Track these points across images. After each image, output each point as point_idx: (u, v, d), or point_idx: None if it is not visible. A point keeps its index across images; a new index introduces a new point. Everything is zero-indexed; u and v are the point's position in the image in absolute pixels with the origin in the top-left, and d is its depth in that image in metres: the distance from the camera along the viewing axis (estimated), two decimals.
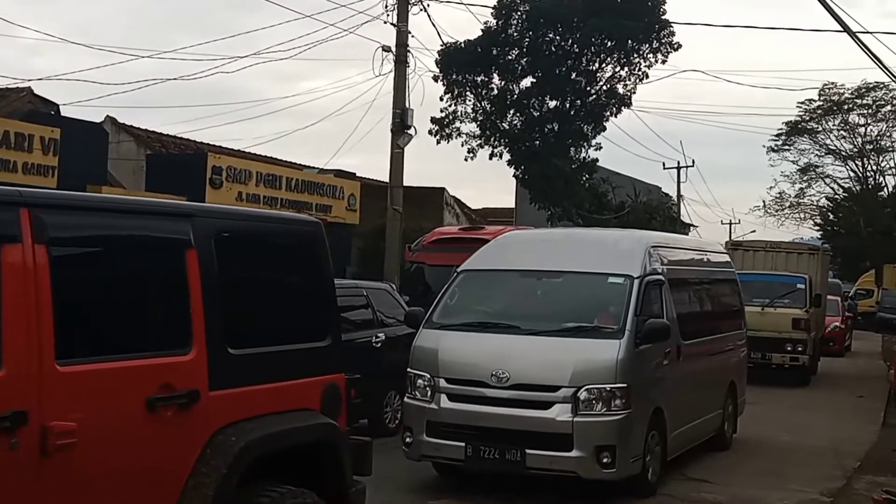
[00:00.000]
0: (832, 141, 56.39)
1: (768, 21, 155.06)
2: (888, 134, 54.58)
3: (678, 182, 51.43)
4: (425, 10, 23.29)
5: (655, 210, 40.31)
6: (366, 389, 11.27)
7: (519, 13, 34.36)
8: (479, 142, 35.61)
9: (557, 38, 34.73)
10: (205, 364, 5.07)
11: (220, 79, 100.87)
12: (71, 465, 4.40)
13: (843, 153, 56.56)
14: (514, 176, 36.65)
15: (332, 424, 5.91)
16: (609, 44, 34.52)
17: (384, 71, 22.27)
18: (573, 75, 34.99)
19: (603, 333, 9.19)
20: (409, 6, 22.39)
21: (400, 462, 9.64)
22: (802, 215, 59.89)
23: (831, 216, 58.64)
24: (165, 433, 4.86)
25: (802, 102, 54.23)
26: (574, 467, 8.71)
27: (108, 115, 27.65)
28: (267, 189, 24.95)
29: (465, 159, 35.69)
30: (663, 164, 50.10)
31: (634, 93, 35.77)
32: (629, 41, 34.29)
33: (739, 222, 67.08)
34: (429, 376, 9.27)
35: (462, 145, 35.60)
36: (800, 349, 19.77)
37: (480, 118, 35.31)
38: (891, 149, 55.29)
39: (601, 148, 36.58)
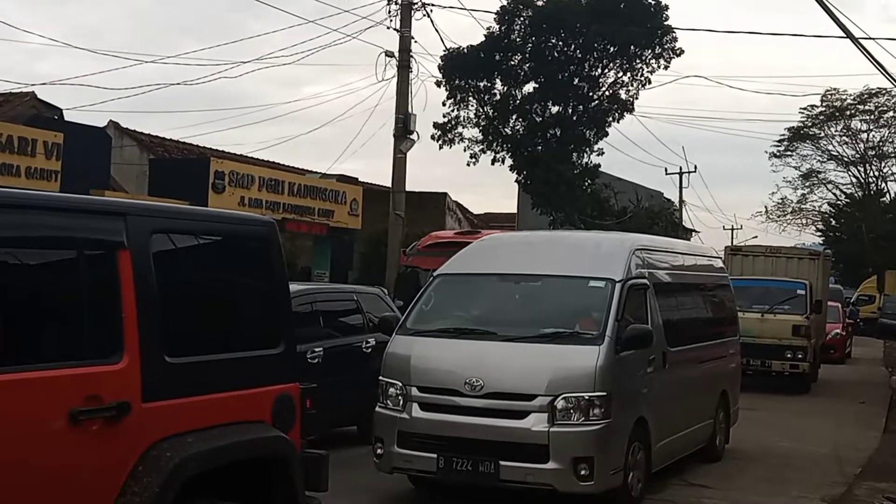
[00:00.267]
0: (834, 147, 56.32)
1: (771, 27, 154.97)
2: (890, 140, 54.44)
3: (680, 187, 51.46)
4: (428, 16, 23.32)
5: (657, 215, 40.29)
6: (355, 396, 10.86)
7: (522, 18, 34.35)
8: (481, 147, 35.61)
9: (560, 43, 34.73)
10: (137, 373, 4.69)
11: (223, 84, 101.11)
12: None
13: (846, 159, 56.47)
14: (516, 181, 36.63)
15: (283, 438, 5.53)
16: (612, 49, 34.50)
17: (387, 76, 22.31)
18: (576, 80, 34.98)
19: (582, 339, 8.76)
20: (412, 12, 22.40)
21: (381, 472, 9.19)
22: (804, 221, 59.79)
23: (833, 222, 58.51)
24: (91, 448, 4.47)
25: (805, 108, 54.12)
26: (550, 480, 8.28)
27: (111, 120, 27.67)
28: (269, 194, 24.97)
29: (468, 164, 35.70)
30: (665, 170, 50.13)
31: (637, 98, 35.76)
32: (632, 47, 34.27)
33: (741, 228, 67.12)
34: (400, 384, 8.84)
35: (464, 150, 35.61)
36: (800, 356, 19.36)
37: (483, 123, 35.32)
38: (893, 155, 55.11)
39: (603, 153, 36.56)
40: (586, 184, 36.23)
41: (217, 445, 5.08)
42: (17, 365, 4.27)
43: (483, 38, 33.99)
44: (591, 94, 35.27)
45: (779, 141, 56.26)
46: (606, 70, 35.42)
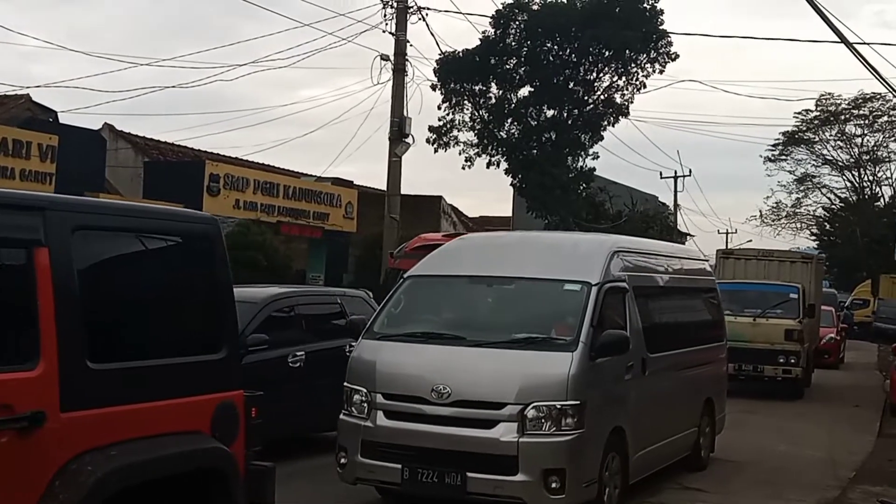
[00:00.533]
0: (829, 151, 56.39)
1: (766, 32, 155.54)
2: (885, 144, 54.49)
3: (675, 191, 51.42)
4: (423, 20, 23.33)
5: (652, 219, 40.37)
6: (338, 400, 11.03)
7: (517, 23, 34.37)
8: (476, 150, 35.61)
9: (555, 47, 34.75)
10: (55, 381, 4.28)
11: (218, 87, 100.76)
12: None
13: (840, 163, 56.55)
14: (511, 185, 36.61)
15: (221, 449, 5.15)
16: (607, 53, 34.51)
17: (382, 80, 22.33)
18: (571, 84, 34.99)
19: (555, 346, 8.32)
20: (408, 15, 22.44)
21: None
22: (799, 225, 59.86)
23: (828, 226, 58.61)
24: (0, 463, 4.09)
25: (799, 113, 54.23)
26: (519, 493, 7.85)
27: (106, 123, 27.63)
28: (264, 197, 24.95)
29: (463, 168, 35.72)
30: (660, 174, 50.10)
31: (632, 102, 35.73)
32: (627, 51, 34.27)
33: (736, 232, 67.29)
34: (365, 391, 8.41)
35: (460, 154, 35.60)
36: (793, 361, 18.93)
37: (478, 127, 35.33)
38: (887, 159, 55.21)
39: (598, 157, 36.53)
40: (581, 187, 36.24)
41: (144, 459, 4.68)
42: None
43: (478, 42, 33.99)
44: (586, 97, 35.29)
45: (773, 145, 56.38)
46: (601, 74, 35.44)
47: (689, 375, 10.84)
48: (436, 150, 35.22)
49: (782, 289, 20.03)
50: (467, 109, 35.16)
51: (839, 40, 14.03)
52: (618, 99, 35.62)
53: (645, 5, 34.22)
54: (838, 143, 55.58)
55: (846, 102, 52.83)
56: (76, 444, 4.40)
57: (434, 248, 14.46)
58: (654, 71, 35.10)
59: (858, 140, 55.03)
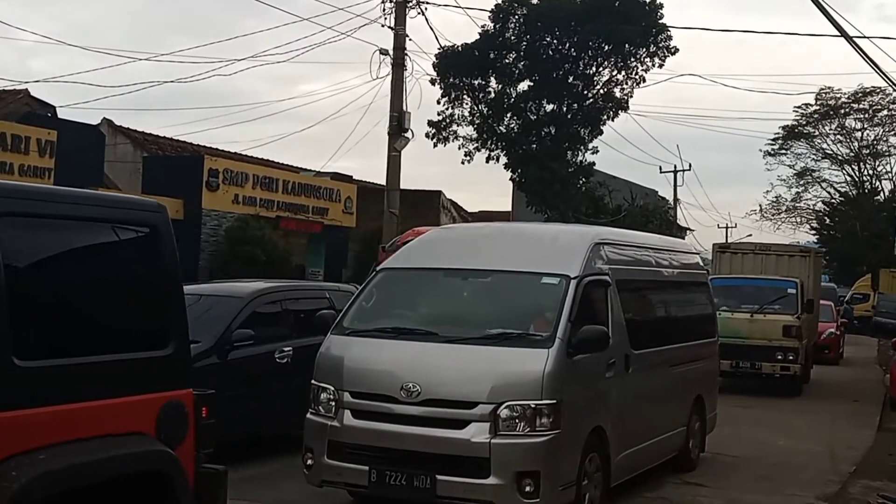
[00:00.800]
0: (829, 145, 56.34)
1: (765, 26, 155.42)
2: (885, 138, 54.42)
3: (675, 186, 51.35)
4: (423, 14, 23.25)
5: (652, 214, 40.36)
6: None
7: (516, 17, 34.35)
8: (476, 145, 35.63)
9: (555, 41, 34.73)
10: None
11: (217, 81, 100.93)
12: None
13: (840, 157, 56.52)
14: (510, 179, 36.62)
15: (165, 452, 4.84)
16: (606, 48, 34.50)
17: (382, 74, 22.25)
18: (570, 79, 34.98)
19: (530, 342, 7.90)
20: (407, 10, 22.37)
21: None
22: (799, 219, 59.83)
23: (828, 220, 58.54)
24: None
25: (799, 107, 54.19)
26: (491, 496, 7.46)
27: (104, 118, 27.64)
28: (263, 192, 24.94)
29: (462, 162, 35.73)
30: (660, 168, 50.02)
31: (631, 96, 35.75)
32: (626, 45, 34.25)
33: (736, 226, 67.03)
34: (332, 389, 8.00)
35: (459, 148, 35.63)
36: (791, 357, 18.37)
37: (477, 121, 35.34)
38: (887, 153, 55.16)
39: (598, 151, 36.55)
40: (581, 182, 36.25)
41: (76, 463, 4.33)
42: None
43: (478, 36, 33.98)
44: (585, 92, 35.28)
45: (773, 139, 56.32)
46: (601, 68, 35.43)
47: (677, 373, 10.40)
48: (435, 145, 35.25)
49: (780, 283, 19.47)
50: (466, 104, 35.17)
51: (839, 34, 14.00)
52: (617, 93, 35.61)
53: (644, 0, 34.23)
54: (838, 137, 55.55)
55: (846, 96, 52.78)
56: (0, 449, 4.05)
57: None
58: (653, 65, 35.11)
59: (858, 134, 55.00)
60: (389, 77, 22.15)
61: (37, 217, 4.59)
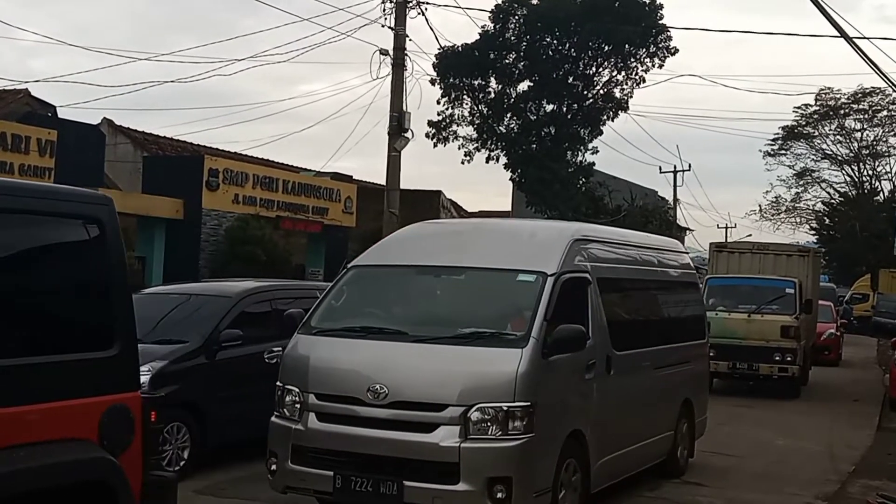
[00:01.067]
0: (828, 146, 56.42)
1: (765, 26, 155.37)
2: (884, 139, 54.57)
3: (674, 186, 51.35)
4: (423, 14, 23.24)
5: (652, 214, 40.35)
6: None
7: (516, 17, 34.40)
8: (475, 145, 35.67)
9: (555, 42, 34.79)
10: None
11: (217, 81, 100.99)
12: None
13: (840, 158, 56.59)
14: (510, 179, 36.69)
15: (106, 460, 4.59)
16: (606, 48, 34.56)
17: (382, 74, 22.23)
18: (570, 79, 35.04)
19: (503, 341, 7.53)
20: (407, 10, 22.38)
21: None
22: (798, 220, 59.91)
23: (827, 220, 58.62)
24: None
25: (799, 107, 54.26)
26: (461, 503, 7.14)
27: (105, 118, 27.65)
28: (263, 191, 24.94)
29: (462, 162, 35.79)
30: (660, 168, 50.04)
31: (631, 97, 35.82)
32: (626, 45, 34.32)
33: (735, 226, 67.03)
34: (297, 391, 7.68)
35: (459, 148, 35.69)
36: (789, 359, 18.08)
37: (477, 121, 35.38)
38: (887, 154, 55.25)
39: (598, 152, 36.62)
40: (580, 182, 36.30)
41: (3, 473, 4.09)
42: None
43: (478, 37, 34.03)
44: (585, 92, 35.33)
45: (773, 140, 56.42)
46: (601, 69, 35.49)
47: (663, 375, 10.00)
48: (435, 145, 35.31)
49: (778, 283, 19.19)
50: (466, 104, 35.23)
51: (839, 35, 14.02)
52: (617, 93, 35.69)
53: (644, 0, 34.26)
54: (838, 137, 55.65)
55: (846, 97, 52.89)
56: None
57: None
58: (653, 65, 35.21)
59: (858, 135, 55.11)
60: (389, 77, 22.15)
61: None
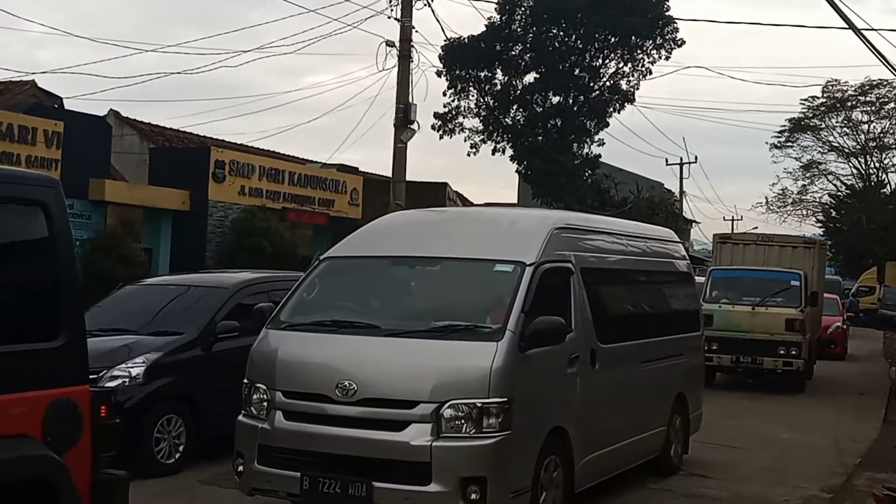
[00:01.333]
0: (835, 138, 56.27)
1: (772, 17, 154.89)
2: (891, 131, 54.36)
3: (681, 178, 51.35)
4: (429, 6, 23.26)
5: (658, 206, 40.31)
6: None
7: (522, 9, 34.34)
8: (481, 137, 35.65)
9: (561, 33, 34.73)
10: None
11: (223, 73, 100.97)
12: None
13: (846, 150, 56.44)
14: (516, 171, 36.68)
15: (48, 457, 4.39)
16: (612, 40, 34.50)
17: (388, 66, 22.21)
18: (576, 71, 34.99)
19: (478, 335, 7.18)
20: (413, 1, 22.36)
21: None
22: (805, 212, 59.77)
23: (834, 213, 58.50)
24: None
25: (806, 99, 54.07)
26: None
27: (111, 109, 27.62)
28: (270, 183, 24.93)
29: (468, 154, 35.81)
30: (666, 161, 50.05)
31: (637, 89, 35.78)
32: (633, 37, 34.26)
33: (742, 219, 66.97)
34: (265, 388, 7.38)
35: (465, 140, 35.67)
36: (794, 352, 17.80)
37: (483, 113, 35.36)
38: (894, 146, 55.11)
39: (604, 144, 36.60)
40: (587, 174, 36.27)
41: None
42: None
43: (484, 28, 34.02)
44: (591, 84, 35.28)
45: (780, 132, 56.27)
46: (607, 60, 35.43)
47: (654, 368, 9.65)
48: (441, 137, 35.26)
49: (783, 276, 18.85)
50: (472, 96, 35.21)
51: (847, 26, 13.95)
52: (623, 85, 35.64)
53: None
54: (845, 129, 55.48)
55: (853, 89, 52.71)
56: None
57: None
58: (659, 57, 35.15)
59: (865, 127, 54.95)
60: (395, 69, 22.14)
61: None
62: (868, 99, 53.03)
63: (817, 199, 59.59)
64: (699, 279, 20.25)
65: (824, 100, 53.82)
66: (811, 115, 54.84)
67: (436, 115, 34.93)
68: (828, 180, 58.84)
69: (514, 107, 35.25)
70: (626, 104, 35.58)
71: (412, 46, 22.23)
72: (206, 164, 22.96)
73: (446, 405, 6.87)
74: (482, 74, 34.72)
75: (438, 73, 33.60)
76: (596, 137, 36.00)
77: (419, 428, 6.87)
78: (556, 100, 35.17)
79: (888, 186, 56.21)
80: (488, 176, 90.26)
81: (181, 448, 9.46)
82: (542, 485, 7.37)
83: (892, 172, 56.55)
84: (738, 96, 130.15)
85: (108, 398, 4.91)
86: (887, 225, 48.77)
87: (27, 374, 4.44)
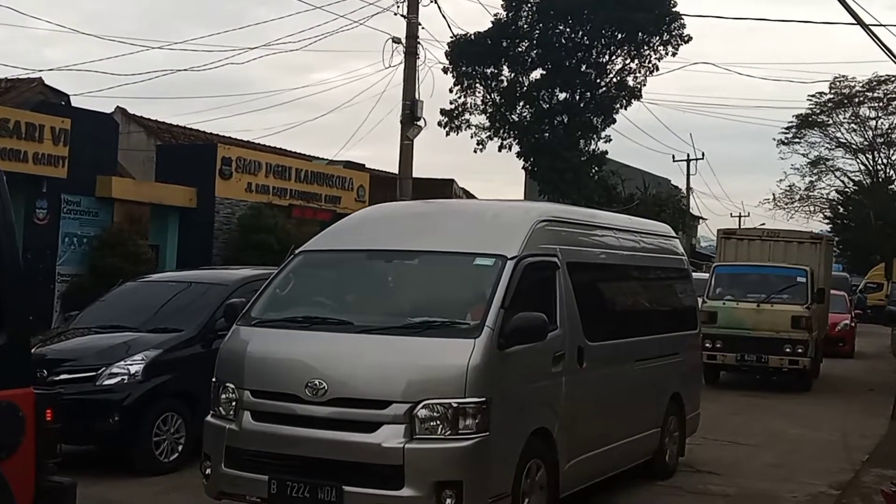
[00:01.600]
0: (843, 134, 56.15)
1: (780, 13, 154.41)
2: None
3: (688, 175, 51.24)
4: (435, 2, 23.25)
5: (665, 202, 40.29)
6: None
7: (529, 5, 34.30)
8: (488, 133, 35.64)
9: (567, 30, 34.69)
10: None
11: (230, 70, 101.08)
12: None
13: (854, 146, 56.32)
14: (523, 168, 36.66)
15: None
16: (619, 36, 34.45)
17: (394, 62, 22.24)
18: (583, 67, 34.94)
19: (455, 331, 6.86)
20: None
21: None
22: (812, 208, 59.67)
23: (841, 209, 58.42)
24: None
25: (813, 95, 54.01)
26: None
27: (118, 106, 27.67)
28: (276, 180, 24.95)
29: (475, 151, 35.77)
30: (673, 157, 49.94)
31: (644, 85, 35.71)
32: (639, 33, 34.20)
33: (749, 215, 66.82)
34: (233, 387, 7.09)
35: (471, 137, 35.65)
36: (800, 351, 17.43)
37: (490, 110, 35.34)
38: None
39: (611, 140, 36.55)
40: (593, 171, 36.24)
41: None
42: None
43: (490, 25, 34.02)
44: (598, 80, 35.24)
45: (787, 128, 56.17)
46: (614, 57, 35.38)
47: (647, 368, 9.30)
48: (448, 134, 35.30)
49: (789, 272, 18.44)
50: (479, 92, 35.19)
51: (855, 22, 13.91)
52: (630, 82, 35.59)
53: None
54: (852, 125, 55.37)
55: (860, 85, 52.59)
56: None
57: None
58: (666, 53, 35.09)
59: (872, 123, 54.82)
60: (402, 65, 22.15)
61: None
62: (876, 95, 52.91)
63: (825, 196, 59.52)
64: (704, 275, 20.19)
65: (832, 96, 53.72)
66: (818, 111, 54.73)
67: (442, 112, 34.94)
68: (835, 176, 58.76)
69: (521, 103, 35.22)
70: (632, 100, 35.53)
71: (419, 43, 22.26)
72: (213, 161, 22.97)
73: (420, 405, 6.55)
74: (489, 71, 34.70)
75: (445, 70, 33.62)
76: (603, 134, 35.98)
77: (392, 429, 6.55)
78: (562, 96, 35.14)
79: None
80: (495, 173, 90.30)
81: (180, 446, 9.45)
82: (524, 489, 7.03)
83: None
84: (745, 92, 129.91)
85: (53, 401, 4.64)
86: (895, 221, 48.67)
87: None
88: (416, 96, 22.10)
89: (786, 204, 59.11)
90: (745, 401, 16.21)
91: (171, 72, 49.06)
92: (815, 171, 58.22)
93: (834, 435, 13.44)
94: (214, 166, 22.85)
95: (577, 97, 35.10)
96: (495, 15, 33.80)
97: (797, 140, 56.86)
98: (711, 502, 9.36)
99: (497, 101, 35.00)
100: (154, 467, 9.11)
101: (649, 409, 9.51)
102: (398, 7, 22.33)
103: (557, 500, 7.53)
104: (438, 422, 6.53)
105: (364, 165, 31.62)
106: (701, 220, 55.44)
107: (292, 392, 6.81)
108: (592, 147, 35.96)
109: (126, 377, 9.18)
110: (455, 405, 6.54)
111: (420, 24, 22.42)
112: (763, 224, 55.48)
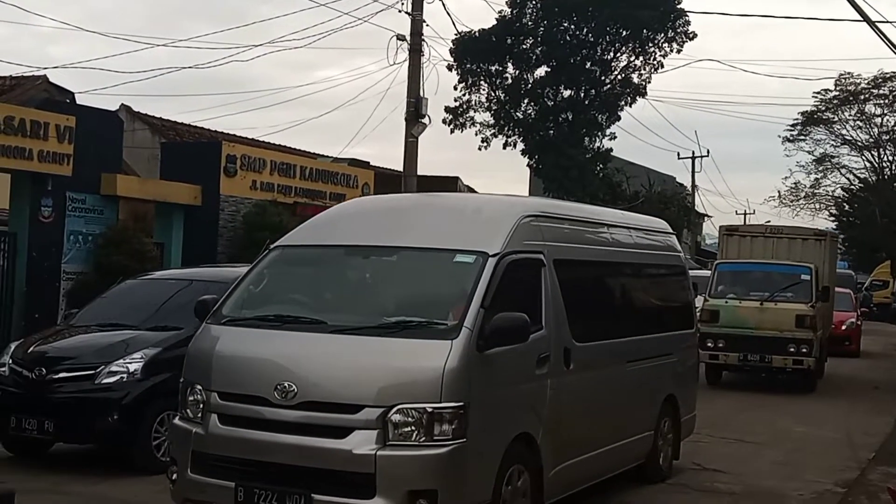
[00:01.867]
0: (848, 131, 55.93)
1: (785, 10, 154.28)
2: None
3: (693, 172, 51.24)
4: None
5: (670, 200, 40.28)
6: None
7: (533, 2, 34.30)
8: (493, 131, 35.64)
9: (572, 27, 34.68)
10: None
11: (234, 67, 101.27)
12: None
13: (860, 143, 56.13)
14: (527, 165, 36.66)
15: None
16: (624, 33, 34.45)
17: (399, 60, 22.26)
18: (588, 64, 34.94)
19: (432, 332, 6.52)
20: None
21: None
22: (818, 206, 59.47)
23: (847, 207, 58.33)
24: None
25: (818, 92, 53.79)
26: None
27: (122, 104, 27.71)
28: (281, 177, 24.94)
29: (479, 148, 35.78)
30: (678, 154, 49.94)
31: (649, 82, 35.71)
32: (644, 30, 34.19)
33: (754, 212, 66.74)
34: (201, 389, 6.79)
35: (476, 134, 35.65)
36: (804, 350, 17.09)
37: (494, 107, 35.33)
38: None
39: (615, 137, 36.54)
40: (598, 168, 36.25)
41: None
42: None
43: (495, 22, 34.03)
44: (603, 78, 35.24)
45: (792, 125, 55.97)
46: (619, 54, 35.38)
47: (639, 369, 9.01)
48: (452, 131, 35.29)
49: (793, 269, 18.12)
50: (483, 90, 35.21)
51: (860, 18, 13.89)
52: (635, 79, 35.58)
53: None
54: (858, 123, 55.14)
55: (866, 82, 52.35)
56: None
57: None
58: (671, 50, 35.09)
59: (878, 120, 54.57)
60: (406, 63, 22.17)
61: None
62: (882, 92, 52.71)
63: (830, 193, 59.30)
64: (708, 273, 20.09)
65: (837, 93, 53.54)
66: (824, 108, 54.57)
67: (447, 110, 34.94)
68: (841, 174, 58.53)
69: (526, 101, 35.22)
70: (637, 98, 35.53)
71: (423, 40, 22.27)
72: (218, 159, 22.95)
73: (394, 410, 6.23)
74: (493, 68, 34.70)
75: (449, 67, 33.62)
76: (607, 131, 35.97)
77: (363, 435, 6.24)
78: (567, 93, 35.13)
79: None
80: (499, 170, 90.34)
81: None
82: (505, 497, 6.72)
83: None
84: (750, 89, 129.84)
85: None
86: None
87: None
88: (421, 94, 22.12)
89: (791, 201, 58.94)
90: (749, 398, 16.22)
91: (175, 69, 49.05)
92: (820, 168, 58.04)
93: (839, 433, 13.45)
94: (219, 164, 22.83)
95: (582, 94, 35.10)
96: (500, 12, 33.85)
97: (802, 137, 56.67)
98: (718, 500, 9.37)
99: (502, 98, 35.00)
100: (153, 466, 9.10)
101: (642, 412, 9.23)
102: (402, 5, 22.38)
103: None
104: (413, 427, 6.23)
105: (369, 163, 31.65)
106: (706, 218, 55.39)
107: (261, 395, 6.53)
108: (597, 144, 35.97)
109: (125, 375, 9.17)
110: (430, 410, 6.22)
111: (424, 22, 22.45)
112: (769, 221, 55.50)
